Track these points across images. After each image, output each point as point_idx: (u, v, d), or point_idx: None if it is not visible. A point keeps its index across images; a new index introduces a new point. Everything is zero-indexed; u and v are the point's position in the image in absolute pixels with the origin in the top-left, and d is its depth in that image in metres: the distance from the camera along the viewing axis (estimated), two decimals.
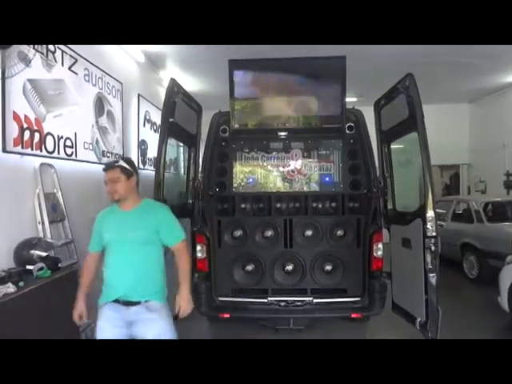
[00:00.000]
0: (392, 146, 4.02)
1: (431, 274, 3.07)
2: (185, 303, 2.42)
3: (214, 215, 4.26)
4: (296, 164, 4.44)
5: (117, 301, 2.35)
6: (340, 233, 4.26)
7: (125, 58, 5.99)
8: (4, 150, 3.18)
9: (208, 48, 5.51)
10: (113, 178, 2.38)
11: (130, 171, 2.44)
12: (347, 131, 4.22)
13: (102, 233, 2.45)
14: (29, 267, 2.93)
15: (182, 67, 7.07)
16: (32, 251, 3.08)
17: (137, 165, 6.35)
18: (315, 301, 3.98)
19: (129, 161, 2.52)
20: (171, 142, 3.79)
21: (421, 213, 3.21)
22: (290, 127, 4.22)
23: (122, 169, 2.41)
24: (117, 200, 2.41)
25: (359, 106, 4.33)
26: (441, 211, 6.87)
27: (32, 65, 3.47)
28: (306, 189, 4.44)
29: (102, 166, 2.51)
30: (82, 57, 4.39)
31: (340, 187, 4.39)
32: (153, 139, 6.61)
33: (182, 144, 4.38)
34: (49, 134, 3.75)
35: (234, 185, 4.42)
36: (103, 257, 2.49)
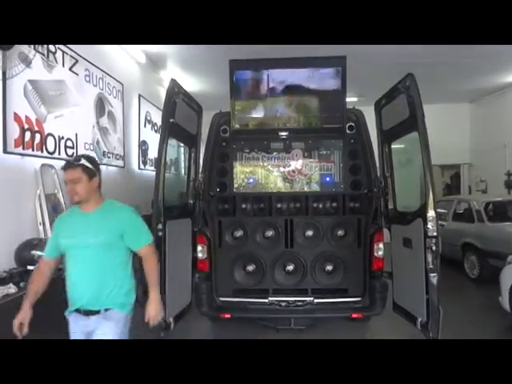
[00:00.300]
0: (393, 146, 4.01)
1: (432, 274, 3.06)
2: (154, 311, 2.28)
3: (214, 215, 4.26)
4: (296, 164, 4.44)
5: (78, 310, 2.23)
6: (341, 233, 4.26)
7: (125, 59, 6.00)
8: (5, 151, 3.19)
9: (208, 48, 5.52)
10: (73, 178, 2.17)
11: (93, 171, 2.23)
12: (348, 131, 4.22)
13: (59, 238, 2.25)
14: (30, 268, 2.94)
15: (182, 67, 7.08)
16: (33, 252, 3.09)
17: (137, 165, 6.41)
18: (316, 301, 3.98)
19: (91, 159, 2.30)
20: (172, 142, 3.79)
21: (421, 212, 3.20)
22: (290, 127, 4.22)
23: (84, 168, 2.19)
24: (77, 202, 2.23)
25: (359, 105, 4.33)
26: (442, 211, 6.86)
27: (33, 66, 3.48)
28: (306, 189, 4.44)
29: (62, 164, 2.29)
30: (82, 57, 4.40)
31: (341, 187, 4.39)
32: (153, 140, 6.62)
33: (182, 144, 4.37)
34: (50, 134, 3.75)
35: (235, 185, 4.42)
36: (62, 265, 2.32)
